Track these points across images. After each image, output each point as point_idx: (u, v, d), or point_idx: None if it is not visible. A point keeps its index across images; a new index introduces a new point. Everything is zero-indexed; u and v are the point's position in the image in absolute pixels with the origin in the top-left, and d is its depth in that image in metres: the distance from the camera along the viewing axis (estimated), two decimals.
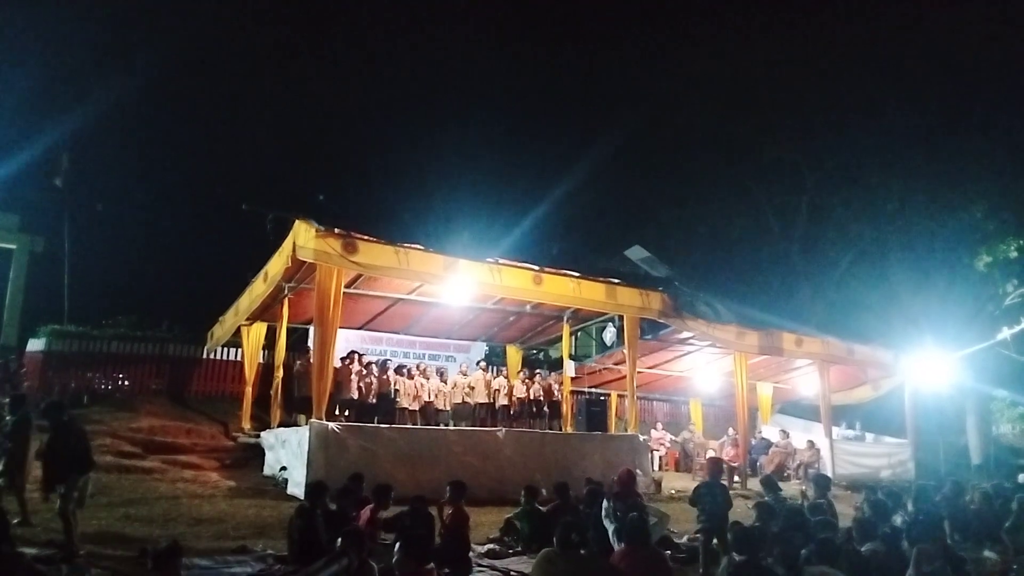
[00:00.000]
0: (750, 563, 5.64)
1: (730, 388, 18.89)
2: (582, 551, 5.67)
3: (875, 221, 25.89)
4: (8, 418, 9.15)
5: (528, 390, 17.67)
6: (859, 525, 7.37)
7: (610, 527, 7.38)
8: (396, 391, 15.95)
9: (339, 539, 5.86)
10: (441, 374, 17.40)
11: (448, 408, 16.80)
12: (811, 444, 18.52)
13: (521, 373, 18.54)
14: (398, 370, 16.40)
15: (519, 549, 8.81)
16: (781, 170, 27.69)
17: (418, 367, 17.16)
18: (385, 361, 16.62)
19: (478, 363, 18.30)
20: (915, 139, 24.99)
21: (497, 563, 8.17)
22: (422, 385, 16.52)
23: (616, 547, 6.92)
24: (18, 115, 24.38)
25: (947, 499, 11.94)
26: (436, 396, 16.66)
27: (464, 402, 16.87)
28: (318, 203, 12.17)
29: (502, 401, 17.19)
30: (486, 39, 39.03)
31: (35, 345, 17.37)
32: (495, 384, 17.37)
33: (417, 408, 16.25)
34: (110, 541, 8.28)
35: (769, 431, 20.73)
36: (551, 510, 8.98)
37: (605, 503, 7.68)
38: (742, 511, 10.75)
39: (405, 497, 8.34)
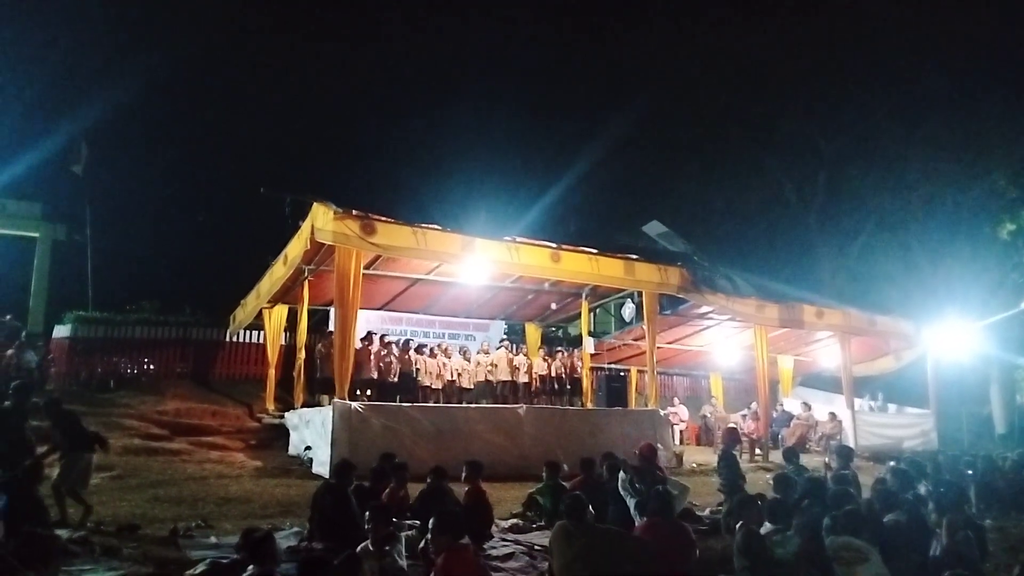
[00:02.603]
0: (751, 531, 5.80)
1: (750, 362, 18.85)
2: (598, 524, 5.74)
3: (895, 191, 25.64)
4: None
5: (550, 367, 17.73)
6: (881, 495, 7.37)
7: (630, 500, 7.43)
8: (417, 370, 16.09)
9: (367, 513, 6.01)
10: (463, 352, 17.50)
11: (472, 386, 16.93)
12: (833, 416, 18.48)
13: (542, 350, 18.59)
14: (419, 349, 16.54)
15: (542, 524, 8.87)
16: (798, 142, 27.46)
17: (440, 346, 17.29)
18: (407, 341, 16.75)
19: (501, 341, 18.37)
20: (935, 106, 24.68)
21: (521, 538, 8.25)
22: (444, 364, 16.65)
23: (636, 520, 6.98)
24: (39, 105, 24.66)
25: (977, 470, 11.94)
26: (460, 375, 16.80)
27: (487, 380, 16.98)
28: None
29: (523, 379, 17.28)
30: (502, 17, 38.75)
31: (61, 331, 17.63)
32: (516, 362, 17.45)
33: (440, 386, 16.40)
34: (139, 521, 8.45)
35: (790, 404, 20.70)
36: (574, 486, 9.04)
37: (622, 475, 7.73)
38: (763, 484, 10.79)
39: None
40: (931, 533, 6.79)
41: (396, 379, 15.68)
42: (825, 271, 27.21)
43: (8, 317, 16.16)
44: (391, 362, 15.72)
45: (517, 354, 18.00)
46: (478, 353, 17.58)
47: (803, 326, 18.01)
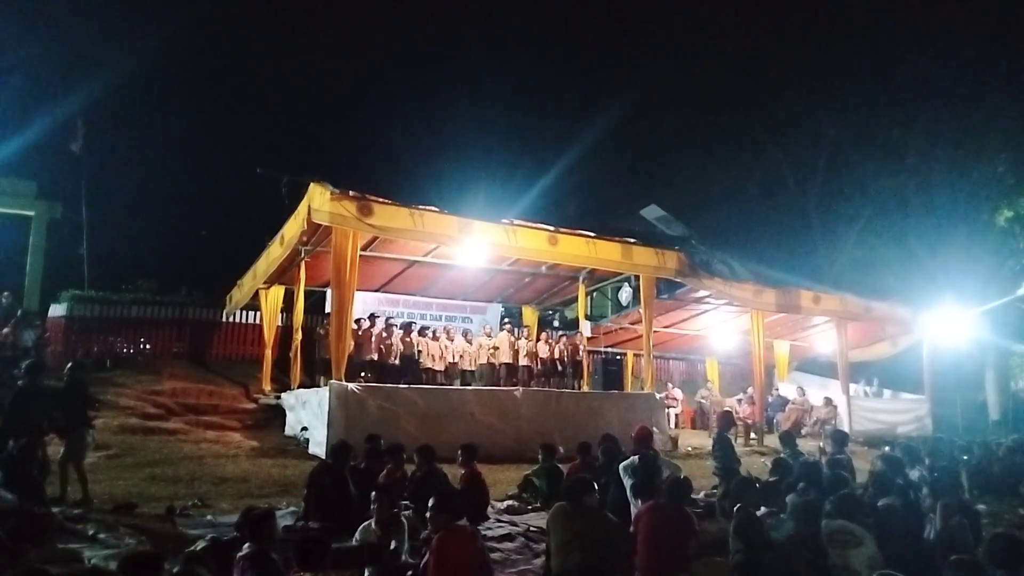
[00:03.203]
0: (749, 513, 5.84)
1: (747, 346, 18.90)
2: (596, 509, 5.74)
3: (895, 176, 25.58)
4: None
5: (552, 350, 17.75)
6: (875, 480, 7.41)
7: (627, 482, 7.45)
8: (419, 352, 16.11)
9: (372, 494, 6.12)
10: (466, 335, 17.52)
11: (474, 368, 16.94)
12: (828, 401, 18.55)
13: (545, 333, 18.61)
14: (422, 332, 16.58)
15: (537, 505, 8.95)
16: (798, 126, 27.35)
17: (445, 329, 17.31)
18: (410, 323, 16.77)
19: (503, 325, 18.39)
20: (936, 92, 24.53)
21: (517, 519, 8.30)
22: (447, 347, 16.68)
23: (633, 503, 7.00)
24: (35, 83, 24.46)
25: (973, 456, 12.00)
26: (461, 357, 16.82)
27: (489, 363, 17.00)
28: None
29: (524, 362, 17.29)
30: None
31: (57, 310, 17.57)
32: (518, 345, 17.45)
33: (442, 368, 16.43)
34: (136, 500, 8.47)
35: (786, 388, 20.75)
36: (572, 469, 9.09)
37: (635, 459, 7.74)
38: (758, 467, 10.84)
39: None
40: (925, 518, 6.83)
41: (397, 361, 15.70)
42: (823, 256, 27.20)
43: (5, 294, 16.10)
44: (392, 344, 15.72)
45: (519, 337, 17.99)
46: (480, 335, 17.59)
47: (800, 311, 18.03)
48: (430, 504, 5.22)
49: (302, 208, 12.81)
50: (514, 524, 8.05)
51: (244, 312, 18.52)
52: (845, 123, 26.66)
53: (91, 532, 6.91)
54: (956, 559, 4.47)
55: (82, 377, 9.48)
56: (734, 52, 28.29)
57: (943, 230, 24.61)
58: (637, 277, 16.12)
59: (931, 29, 24.74)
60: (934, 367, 20.28)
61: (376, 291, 18.17)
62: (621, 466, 7.73)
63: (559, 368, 17.78)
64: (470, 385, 16.07)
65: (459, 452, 8.50)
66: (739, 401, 18.98)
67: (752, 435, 17.19)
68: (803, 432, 17.72)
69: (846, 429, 15.62)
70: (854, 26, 26.69)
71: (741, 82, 27.92)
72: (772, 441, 15.80)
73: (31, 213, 20.54)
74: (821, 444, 12.25)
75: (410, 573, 5.58)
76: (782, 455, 9.52)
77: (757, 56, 27.58)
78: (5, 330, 15.21)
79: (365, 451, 8.44)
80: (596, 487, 5.94)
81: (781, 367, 22.26)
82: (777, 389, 20.70)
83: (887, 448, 11.65)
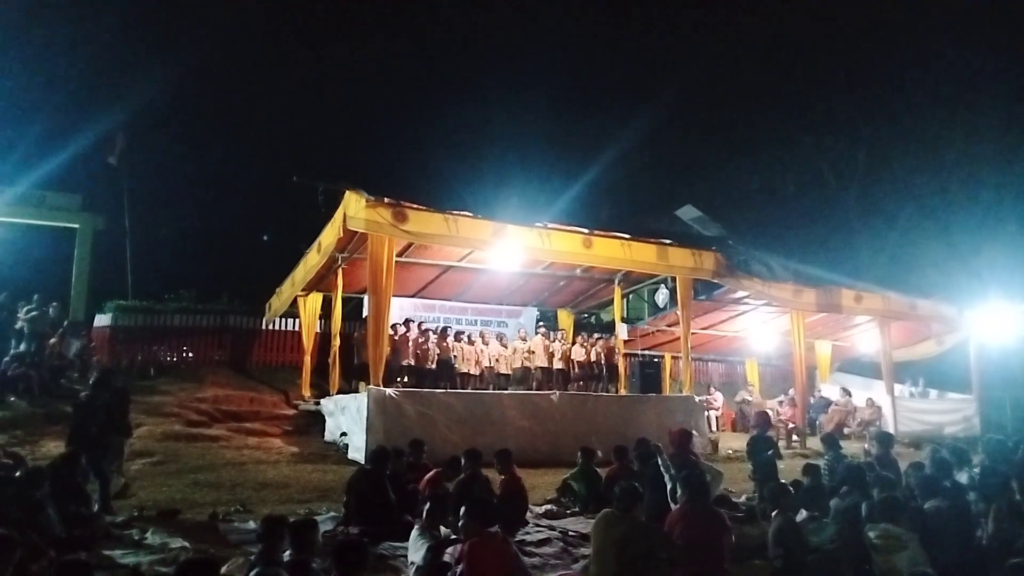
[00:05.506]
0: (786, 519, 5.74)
1: (787, 347, 18.61)
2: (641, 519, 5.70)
3: (937, 170, 25.05)
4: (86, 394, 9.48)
5: (588, 353, 17.66)
6: (921, 482, 7.22)
7: (667, 486, 7.36)
8: (455, 356, 16.15)
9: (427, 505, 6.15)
10: (501, 339, 17.51)
11: (510, 372, 16.94)
12: (872, 402, 18.18)
13: (580, 337, 18.53)
14: (457, 336, 16.63)
15: (576, 510, 8.90)
16: (836, 123, 26.93)
17: (480, 334, 17.35)
18: (445, 328, 16.82)
19: (537, 328, 18.33)
20: (976, 84, 24.02)
21: (555, 523, 8.25)
22: (482, 351, 16.71)
23: (673, 506, 6.93)
24: (77, 98, 25.09)
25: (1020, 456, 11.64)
26: (497, 361, 16.83)
27: (524, 366, 16.98)
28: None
29: (559, 365, 17.23)
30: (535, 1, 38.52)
31: (102, 320, 17.99)
32: (553, 348, 17.39)
33: (478, 373, 16.47)
34: (180, 506, 8.60)
35: (828, 390, 20.39)
36: (610, 473, 9.02)
37: (661, 459, 7.66)
38: (800, 471, 10.65)
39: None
40: (975, 520, 6.65)
41: (434, 366, 15.76)
42: (864, 254, 26.71)
43: (53, 305, 16.52)
44: (428, 349, 15.79)
45: (554, 341, 17.93)
46: (515, 340, 17.58)
47: (841, 311, 17.71)
48: (461, 511, 5.22)
49: (338, 216, 12.92)
50: (552, 528, 8.01)
51: (283, 319, 18.76)
52: (884, 119, 26.20)
53: (137, 538, 7.04)
54: (1016, 563, 4.33)
55: (120, 390, 9.66)
56: (769, 50, 27.89)
57: (988, 225, 24.06)
58: (674, 279, 15.96)
59: (971, 21, 24.22)
60: (981, 366, 19.77)
61: (412, 296, 18.27)
62: (661, 466, 7.63)
63: (595, 371, 17.68)
64: (506, 389, 16.04)
65: (495, 459, 8.47)
66: (780, 403, 18.70)
67: (794, 438, 16.92)
68: (846, 434, 17.41)
69: (891, 430, 15.32)
70: (892, 21, 26.18)
71: (777, 80, 27.57)
72: (815, 444, 15.56)
73: (76, 225, 21.02)
74: (866, 446, 11.99)
75: None
76: (816, 460, 9.36)
77: (792, 53, 27.20)
78: (52, 340, 15.60)
79: (392, 451, 8.43)
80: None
81: (823, 368, 21.89)
82: (819, 390, 20.35)
83: (931, 448, 11.35)
